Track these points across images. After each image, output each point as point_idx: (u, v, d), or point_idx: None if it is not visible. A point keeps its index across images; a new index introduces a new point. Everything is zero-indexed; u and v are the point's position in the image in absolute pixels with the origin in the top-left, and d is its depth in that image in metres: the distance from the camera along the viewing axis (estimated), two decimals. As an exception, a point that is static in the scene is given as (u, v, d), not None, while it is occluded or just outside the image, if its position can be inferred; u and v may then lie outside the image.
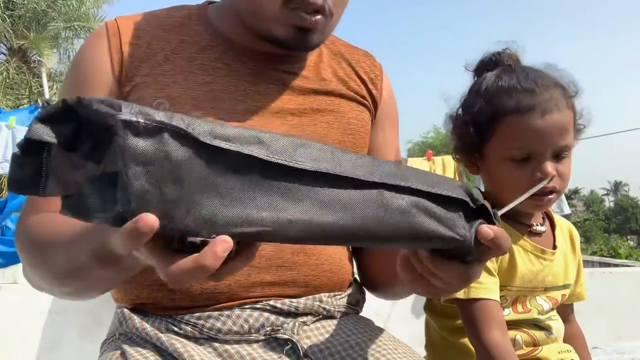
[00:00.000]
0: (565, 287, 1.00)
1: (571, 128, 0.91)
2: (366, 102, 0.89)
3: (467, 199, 0.51)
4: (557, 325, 0.99)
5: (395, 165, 0.49)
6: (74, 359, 2.38)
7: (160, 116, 0.38)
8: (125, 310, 0.77)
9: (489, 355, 0.84)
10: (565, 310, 1.05)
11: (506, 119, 0.90)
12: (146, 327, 0.72)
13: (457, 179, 6.93)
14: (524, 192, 0.89)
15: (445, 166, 6.89)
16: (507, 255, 0.93)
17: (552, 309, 0.99)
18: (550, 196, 0.90)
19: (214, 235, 0.40)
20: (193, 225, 0.39)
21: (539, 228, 0.97)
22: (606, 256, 11.70)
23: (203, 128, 0.39)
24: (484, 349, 0.84)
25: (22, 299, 2.58)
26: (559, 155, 0.90)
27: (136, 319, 0.74)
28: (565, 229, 1.05)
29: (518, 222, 0.96)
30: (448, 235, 0.50)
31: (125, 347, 0.72)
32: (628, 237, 40.00)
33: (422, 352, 1.03)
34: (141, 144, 0.37)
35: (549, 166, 0.88)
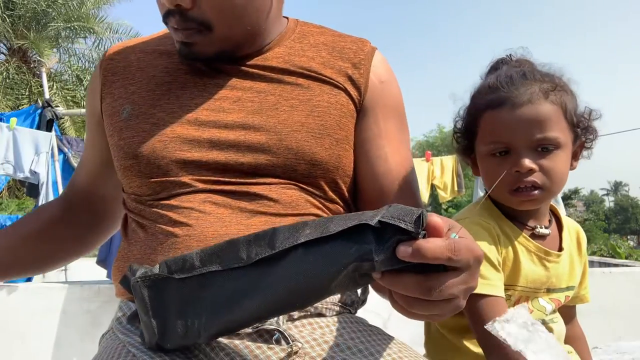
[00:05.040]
0: (568, 289, 0.99)
1: (554, 121, 0.87)
2: (343, 85, 0.87)
3: (368, 222, 0.48)
4: (558, 327, 0.98)
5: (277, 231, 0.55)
6: (73, 359, 2.39)
7: (152, 271, 0.60)
8: (128, 303, 0.81)
9: (497, 352, 0.82)
10: (567, 312, 1.05)
11: (484, 115, 0.92)
12: None
13: (455, 179, 6.92)
14: (506, 188, 0.89)
15: (444, 167, 6.88)
16: (511, 254, 0.92)
17: (554, 311, 0.99)
18: (533, 192, 0.88)
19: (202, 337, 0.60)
20: (185, 329, 0.60)
21: (542, 231, 0.96)
22: (606, 256, 11.69)
23: (176, 267, 0.59)
24: (491, 346, 0.82)
25: (22, 299, 2.58)
26: (540, 148, 0.88)
27: None
28: (572, 230, 1.03)
29: (521, 222, 0.95)
30: (345, 261, 0.49)
31: (123, 337, 0.75)
32: (628, 237, 39.99)
33: (422, 352, 1.03)
34: (145, 291, 0.61)
35: (526, 160, 0.87)
